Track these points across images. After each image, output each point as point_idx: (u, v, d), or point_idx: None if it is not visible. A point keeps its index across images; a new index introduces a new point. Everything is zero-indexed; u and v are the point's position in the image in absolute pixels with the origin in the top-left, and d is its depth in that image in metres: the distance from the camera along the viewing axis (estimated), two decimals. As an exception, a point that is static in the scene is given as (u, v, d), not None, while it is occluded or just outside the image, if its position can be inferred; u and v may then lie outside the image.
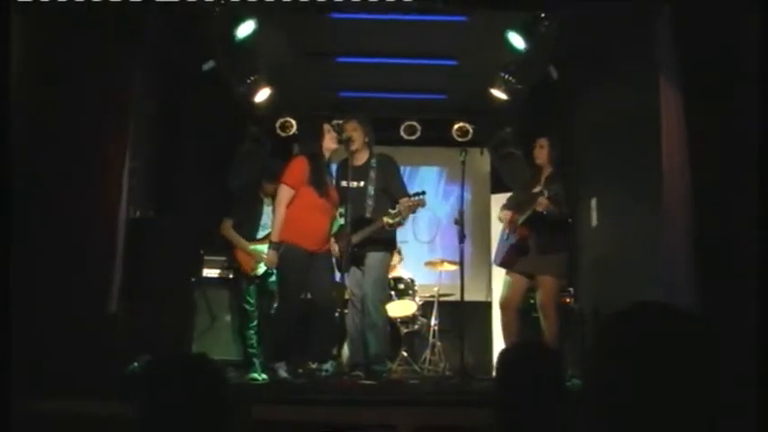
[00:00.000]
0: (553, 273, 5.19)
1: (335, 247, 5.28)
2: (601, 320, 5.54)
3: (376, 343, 5.21)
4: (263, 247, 5.60)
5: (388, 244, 5.39)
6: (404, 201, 5.10)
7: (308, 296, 5.48)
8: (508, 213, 5.42)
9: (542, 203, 5.00)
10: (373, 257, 5.27)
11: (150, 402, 1.57)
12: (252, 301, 5.91)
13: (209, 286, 6.37)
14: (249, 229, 6.01)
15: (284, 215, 5.13)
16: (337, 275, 5.35)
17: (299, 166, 5.20)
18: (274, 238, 5.14)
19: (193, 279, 6.35)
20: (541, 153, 5.40)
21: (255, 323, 5.88)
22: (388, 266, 5.55)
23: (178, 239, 5.77)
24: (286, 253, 5.11)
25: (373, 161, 5.35)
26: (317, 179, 5.15)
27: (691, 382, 1.20)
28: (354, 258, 5.20)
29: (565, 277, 5.44)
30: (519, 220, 5.26)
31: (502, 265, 5.43)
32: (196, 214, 6.39)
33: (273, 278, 5.68)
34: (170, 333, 5.53)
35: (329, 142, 5.23)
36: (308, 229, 5.13)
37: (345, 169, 5.30)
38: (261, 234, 5.99)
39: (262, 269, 5.85)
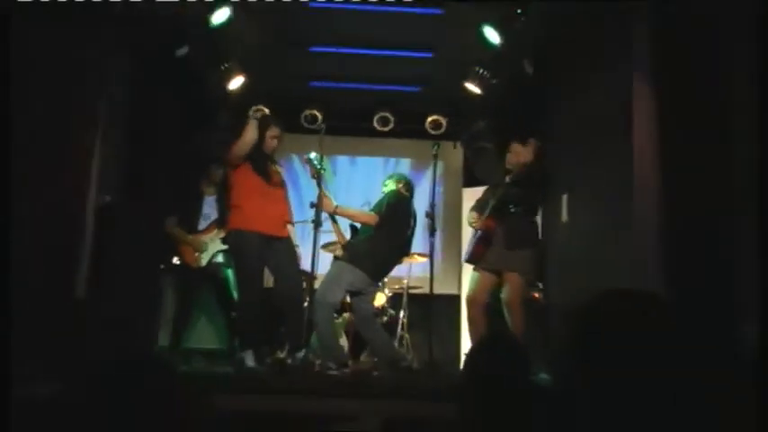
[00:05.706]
0: (519, 269, 5.18)
1: None
2: (568, 313, 5.56)
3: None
4: (205, 237, 6.02)
5: None
6: None
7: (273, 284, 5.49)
8: (475, 215, 5.48)
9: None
10: None
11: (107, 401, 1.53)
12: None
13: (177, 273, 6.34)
14: (190, 223, 6.16)
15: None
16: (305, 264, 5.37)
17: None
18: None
19: (162, 266, 6.38)
20: (514, 158, 5.48)
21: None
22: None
23: (148, 225, 5.83)
24: (237, 238, 5.09)
25: None
26: (258, 165, 5.22)
27: (657, 362, 1.20)
28: None
29: (531, 274, 5.44)
30: (485, 212, 5.30)
31: (469, 260, 5.46)
32: (166, 200, 6.35)
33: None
34: (138, 320, 5.59)
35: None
36: (257, 213, 5.12)
37: None
38: (203, 225, 6.18)
39: (204, 260, 6.07)
